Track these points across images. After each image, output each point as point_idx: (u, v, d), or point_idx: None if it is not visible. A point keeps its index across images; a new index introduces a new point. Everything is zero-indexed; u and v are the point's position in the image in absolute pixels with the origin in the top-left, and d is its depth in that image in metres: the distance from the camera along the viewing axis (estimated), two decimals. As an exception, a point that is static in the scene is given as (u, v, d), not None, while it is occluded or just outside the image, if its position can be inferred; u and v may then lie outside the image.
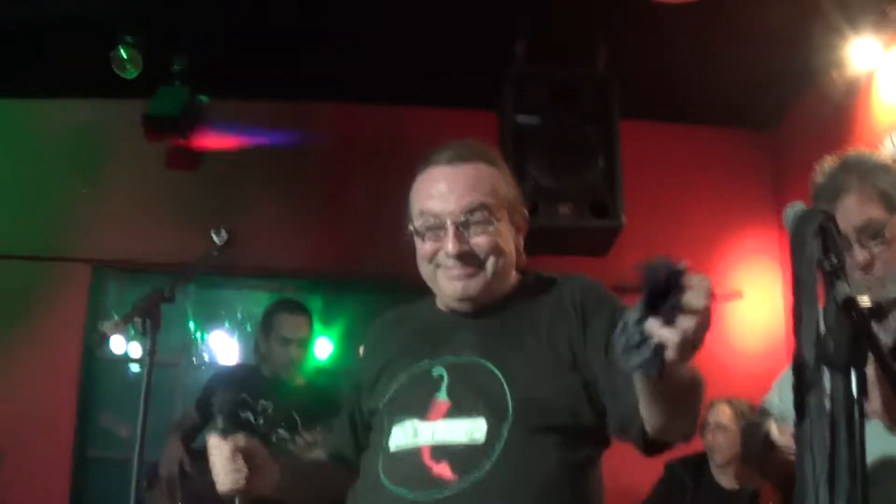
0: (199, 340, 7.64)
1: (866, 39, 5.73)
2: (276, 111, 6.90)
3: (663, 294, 1.89)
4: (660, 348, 1.91)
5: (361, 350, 2.91)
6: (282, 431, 4.90)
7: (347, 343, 7.05)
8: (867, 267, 2.99)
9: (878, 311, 2.08)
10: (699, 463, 5.78)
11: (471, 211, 2.58)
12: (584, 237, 6.18)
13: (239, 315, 7.39)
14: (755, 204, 6.94)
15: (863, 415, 2.02)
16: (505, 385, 2.48)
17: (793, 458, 2.34)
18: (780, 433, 2.87)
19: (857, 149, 3.41)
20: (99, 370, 6.86)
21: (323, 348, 7.08)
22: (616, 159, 6.04)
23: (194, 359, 7.61)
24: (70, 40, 5.95)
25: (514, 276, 2.73)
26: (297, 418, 4.97)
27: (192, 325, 7.58)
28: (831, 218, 2.32)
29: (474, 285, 2.60)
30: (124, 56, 6.04)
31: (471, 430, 2.44)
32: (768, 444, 2.99)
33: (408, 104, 6.89)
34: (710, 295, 1.95)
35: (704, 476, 5.76)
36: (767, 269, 6.40)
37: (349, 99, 6.84)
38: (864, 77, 5.91)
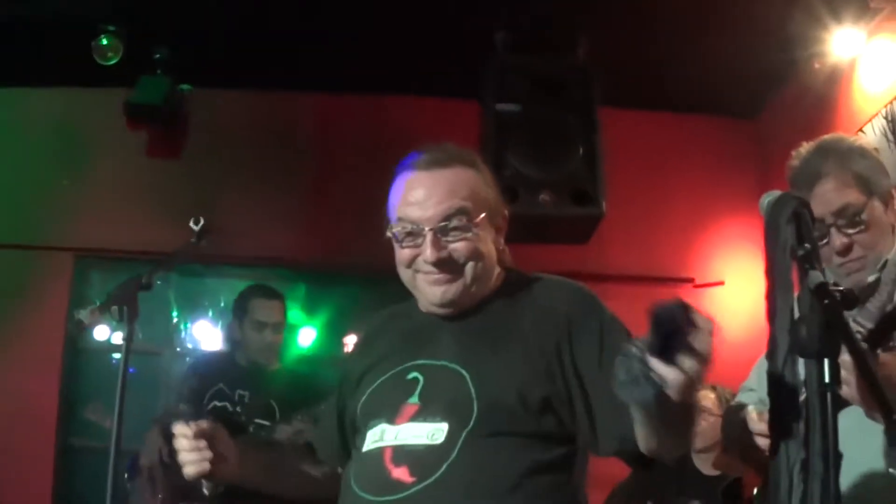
0: (183, 329, 7.65)
1: (848, 29, 5.73)
2: (258, 101, 6.88)
3: (669, 332, 1.87)
4: (661, 384, 1.90)
5: (352, 345, 2.91)
6: (260, 420, 4.90)
7: (331, 332, 7.06)
8: (845, 251, 3.00)
9: (851, 298, 2.07)
10: (679, 448, 5.77)
11: (449, 217, 2.57)
12: (564, 225, 6.17)
13: (222, 304, 7.39)
14: (737, 192, 6.93)
15: (837, 402, 2.03)
16: (473, 390, 2.47)
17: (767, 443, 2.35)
18: (760, 419, 2.86)
19: (833, 133, 3.42)
20: (82, 359, 6.86)
21: (306, 336, 7.09)
22: (597, 147, 6.04)
23: (178, 347, 7.62)
24: (52, 29, 5.93)
25: (496, 276, 2.71)
26: (276, 407, 4.98)
27: (175, 314, 7.59)
28: (805, 204, 2.31)
29: (453, 291, 2.59)
30: (105, 44, 6.03)
31: (432, 433, 2.43)
32: (747, 430, 3.01)
33: (390, 94, 6.87)
34: (713, 336, 1.92)
35: (684, 461, 5.76)
36: (749, 256, 6.38)
37: (331, 89, 6.81)
38: (846, 66, 5.92)
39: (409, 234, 2.59)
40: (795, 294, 2.21)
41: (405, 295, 2.79)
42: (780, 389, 2.18)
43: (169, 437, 4.98)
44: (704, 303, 6.82)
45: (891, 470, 2.63)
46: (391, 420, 2.51)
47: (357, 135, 6.79)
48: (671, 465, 2.56)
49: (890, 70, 5.53)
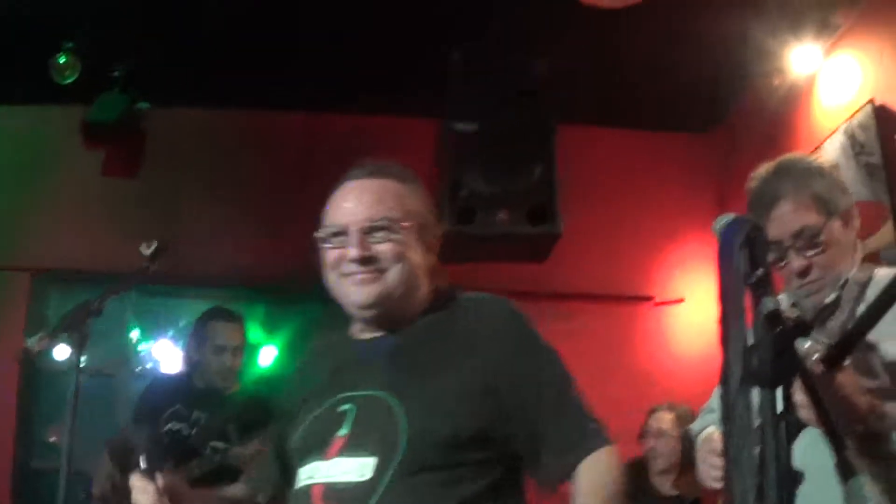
0: (143, 348, 7.59)
1: (808, 45, 5.75)
2: (215, 119, 6.85)
3: None
4: None
5: (291, 376, 2.89)
6: (215, 443, 4.85)
7: (292, 350, 7.03)
8: (804, 273, 3.01)
9: (804, 326, 2.05)
10: (639, 469, 5.76)
11: (375, 220, 2.59)
12: (522, 244, 6.19)
13: (182, 323, 7.33)
14: (696, 208, 6.96)
15: (791, 430, 2.01)
16: (403, 420, 2.44)
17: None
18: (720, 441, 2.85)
19: (792, 153, 3.42)
20: (41, 380, 6.78)
21: (267, 356, 7.06)
22: (554, 165, 6.07)
23: (137, 367, 7.56)
24: (9, 46, 5.89)
25: (426, 295, 2.71)
26: (233, 429, 4.93)
27: (134, 333, 7.53)
28: (759, 228, 2.30)
29: (377, 290, 2.58)
30: (62, 62, 5.99)
31: (361, 468, 2.39)
32: (705, 451, 2.99)
33: (347, 112, 6.86)
34: None
35: (644, 482, 5.75)
36: (709, 273, 6.36)
37: (289, 107, 6.81)
38: (805, 81, 5.93)
39: (335, 234, 2.61)
40: (749, 320, 2.19)
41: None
42: (733, 417, 2.16)
43: (122, 464, 4.95)
44: (664, 321, 6.84)
45: None
46: (322, 455, 2.47)
47: (314, 153, 6.77)
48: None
49: (849, 86, 5.55)
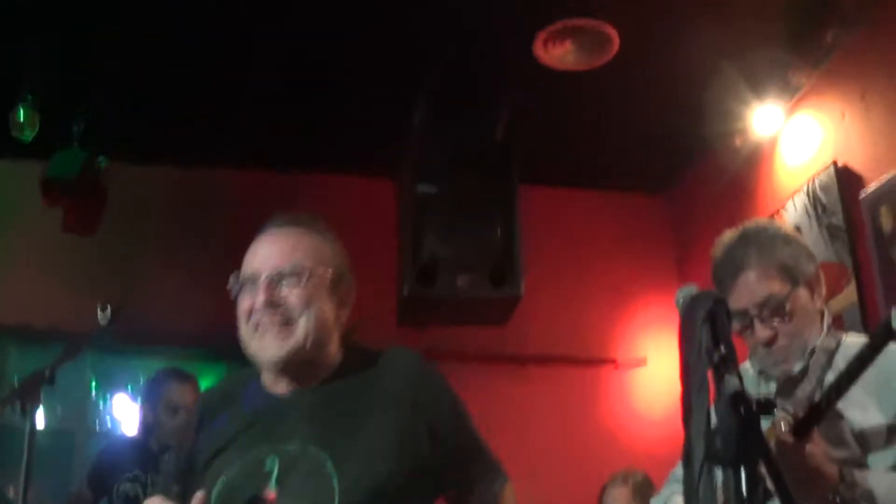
0: (101, 406, 7.51)
1: (769, 105, 5.76)
2: (175, 176, 6.80)
3: None
4: None
5: (199, 421, 2.84)
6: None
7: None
8: (770, 342, 3.00)
9: (768, 405, 2.03)
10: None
11: (284, 267, 2.62)
12: (483, 307, 6.20)
13: (141, 380, 7.26)
14: (657, 268, 7.00)
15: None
16: (334, 476, 2.44)
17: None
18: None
19: (756, 219, 3.41)
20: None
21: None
22: (515, 227, 6.09)
23: (96, 422, 7.47)
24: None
25: (337, 350, 2.73)
26: (186, 490, 4.87)
27: (93, 389, 7.45)
28: (721, 302, 2.28)
29: (287, 345, 2.58)
30: (22, 118, 5.93)
31: None
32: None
33: (308, 171, 6.85)
34: None
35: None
36: (671, 334, 6.37)
37: (248, 165, 6.78)
38: (766, 142, 5.94)
39: (246, 281, 2.64)
40: (711, 398, 2.16)
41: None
42: (696, 498, 2.13)
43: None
44: (627, 383, 6.81)
45: None
46: None
47: (273, 211, 6.71)
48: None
49: (811, 146, 5.56)
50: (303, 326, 2.59)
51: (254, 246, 2.73)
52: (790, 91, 5.66)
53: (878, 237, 4.90)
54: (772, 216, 5.54)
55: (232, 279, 2.68)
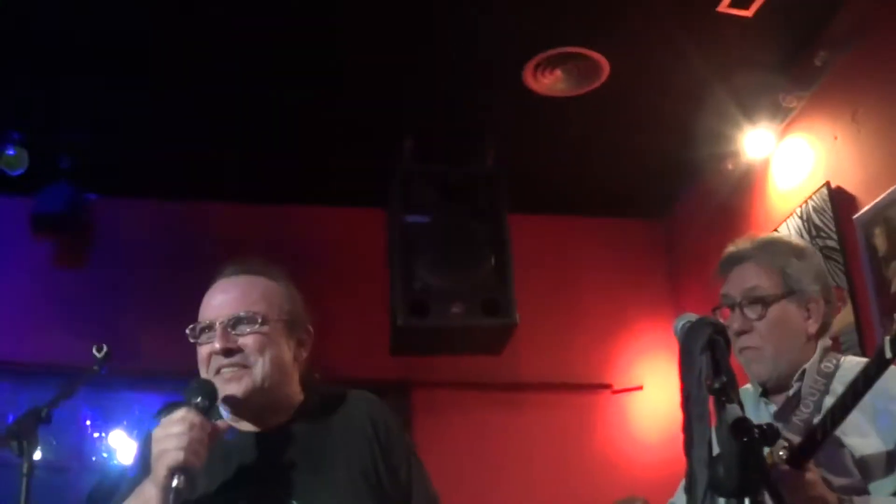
0: (97, 440, 7.47)
1: (761, 129, 5.76)
2: (164, 210, 6.78)
3: None
4: None
5: (134, 459, 2.85)
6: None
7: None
8: (740, 332, 2.98)
9: (770, 434, 2.01)
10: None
11: (240, 313, 2.66)
12: (477, 336, 6.18)
13: (136, 414, 7.23)
14: (651, 293, 7.00)
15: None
16: None
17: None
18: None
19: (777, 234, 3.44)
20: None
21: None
22: (507, 256, 6.10)
23: (93, 457, 7.43)
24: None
25: (297, 390, 2.78)
26: None
27: (88, 423, 7.41)
28: (720, 330, 2.27)
29: (241, 386, 2.60)
30: (11, 154, 5.92)
31: None
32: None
33: (297, 203, 6.84)
34: None
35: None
36: (667, 358, 6.37)
37: (237, 198, 6.76)
38: (759, 165, 5.94)
39: (203, 330, 2.70)
40: (713, 426, 2.15)
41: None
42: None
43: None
44: (623, 408, 6.79)
45: None
46: None
47: (264, 244, 6.70)
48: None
49: (804, 169, 5.56)
50: (260, 369, 2.62)
51: (208, 295, 2.79)
52: (781, 114, 5.65)
53: (872, 258, 4.89)
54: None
55: (189, 329, 2.73)
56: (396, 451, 2.69)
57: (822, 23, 5.29)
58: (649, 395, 6.78)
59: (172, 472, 2.33)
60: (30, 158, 5.96)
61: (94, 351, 3.56)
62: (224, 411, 2.68)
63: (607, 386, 6.86)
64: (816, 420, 2.72)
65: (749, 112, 5.75)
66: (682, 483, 3.30)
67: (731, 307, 3.06)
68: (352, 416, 2.72)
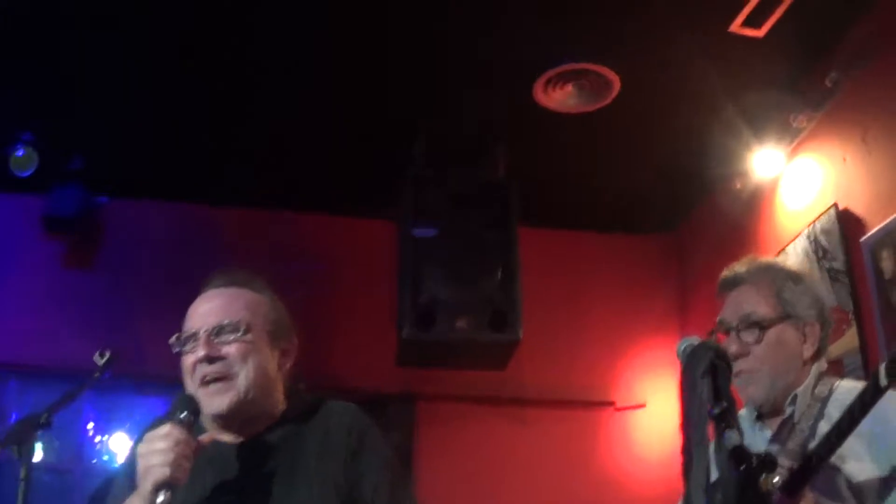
0: (99, 443, 7.47)
1: (770, 149, 5.75)
2: (174, 214, 6.79)
3: None
4: None
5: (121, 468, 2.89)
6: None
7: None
8: (735, 357, 2.98)
9: (769, 463, 2.01)
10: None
11: (223, 323, 2.70)
12: (481, 351, 6.18)
13: (139, 418, 7.22)
14: (658, 311, 7.00)
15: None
16: None
17: None
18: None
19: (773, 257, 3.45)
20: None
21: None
22: (515, 270, 6.10)
23: (94, 460, 7.43)
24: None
25: (281, 399, 2.81)
26: None
27: (90, 426, 7.41)
28: (722, 355, 2.27)
29: (229, 398, 2.65)
30: (20, 154, 5.93)
31: None
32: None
33: (307, 211, 6.86)
34: None
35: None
36: (671, 376, 6.36)
37: (248, 204, 6.78)
38: (767, 185, 5.92)
39: (188, 339, 2.72)
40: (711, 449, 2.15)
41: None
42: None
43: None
44: (626, 426, 6.78)
45: None
46: None
47: (274, 251, 6.71)
48: None
49: (812, 190, 5.54)
50: (243, 378, 2.66)
51: (193, 306, 2.84)
52: (791, 134, 5.63)
53: (879, 281, 4.87)
54: (773, 259, 5.52)
55: (173, 339, 2.76)
56: (365, 458, 2.70)
57: (833, 44, 5.27)
58: (652, 412, 6.76)
59: (158, 488, 2.38)
60: (41, 158, 5.98)
61: (97, 357, 3.57)
62: (208, 422, 2.72)
63: (610, 403, 6.84)
64: (812, 445, 2.72)
65: (759, 131, 5.74)
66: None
67: (728, 331, 3.07)
68: (330, 426, 2.74)
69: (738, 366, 2.98)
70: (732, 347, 3.00)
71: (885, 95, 4.99)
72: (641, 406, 6.81)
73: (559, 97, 5.63)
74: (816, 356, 3.06)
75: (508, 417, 6.53)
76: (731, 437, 2.03)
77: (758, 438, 3.00)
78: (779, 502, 2.52)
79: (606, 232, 7.20)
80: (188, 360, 2.70)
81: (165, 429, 2.47)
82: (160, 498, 2.37)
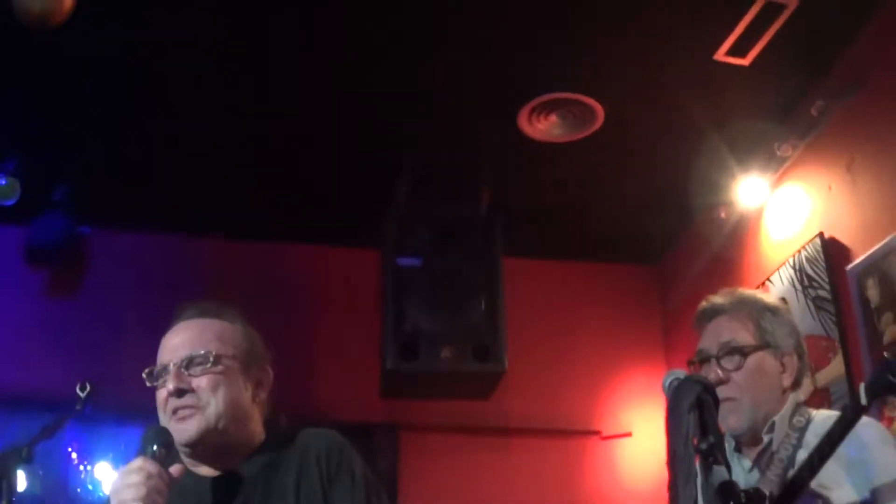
0: (83, 473, 7.43)
1: (754, 177, 5.75)
2: (157, 244, 6.77)
3: None
4: None
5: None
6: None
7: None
8: (716, 385, 2.97)
9: (757, 499, 2.00)
10: None
11: (192, 355, 2.68)
12: (466, 381, 6.17)
13: (123, 447, 7.19)
14: (642, 340, 7.00)
15: None
16: None
17: None
18: None
19: (752, 290, 3.47)
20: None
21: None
22: (499, 301, 6.09)
23: (78, 488, 7.39)
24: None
25: (257, 430, 2.79)
26: None
27: (74, 455, 7.37)
28: (709, 389, 2.26)
29: (196, 425, 2.63)
30: (3, 184, 5.90)
31: None
32: None
33: (290, 241, 6.84)
34: None
35: None
36: (657, 405, 6.34)
37: (230, 234, 6.76)
38: (752, 214, 5.93)
39: (160, 373, 2.73)
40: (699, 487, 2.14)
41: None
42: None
43: None
44: (612, 455, 6.76)
45: None
46: None
47: (256, 281, 6.70)
48: None
49: (797, 218, 5.55)
50: (213, 408, 2.64)
51: (165, 338, 2.81)
52: (776, 163, 5.64)
53: (865, 309, 4.87)
54: (758, 288, 5.51)
55: (145, 373, 2.77)
56: (340, 483, 2.67)
57: (819, 73, 5.29)
58: (638, 441, 6.73)
59: None
60: (23, 188, 5.95)
61: (78, 390, 3.54)
62: (183, 455, 2.70)
63: (596, 432, 6.82)
64: (791, 474, 2.71)
65: (743, 160, 5.75)
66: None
67: (707, 360, 3.08)
68: (306, 455, 2.71)
69: (718, 393, 2.98)
70: (712, 375, 2.99)
71: (871, 124, 5.00)
72: (627, 435, 6.79)
73: (544, 127, 5.63)
74: (794, 386, 3.08)
75: (493, 447, 6.51)
76: (719, 473, 2.01)
77: (737, 469, 2.99)
78: None
79: (591, 261, 7.20)
80: (161, 395, 2.70)
81: (138, 462, 2.45)
82: None
